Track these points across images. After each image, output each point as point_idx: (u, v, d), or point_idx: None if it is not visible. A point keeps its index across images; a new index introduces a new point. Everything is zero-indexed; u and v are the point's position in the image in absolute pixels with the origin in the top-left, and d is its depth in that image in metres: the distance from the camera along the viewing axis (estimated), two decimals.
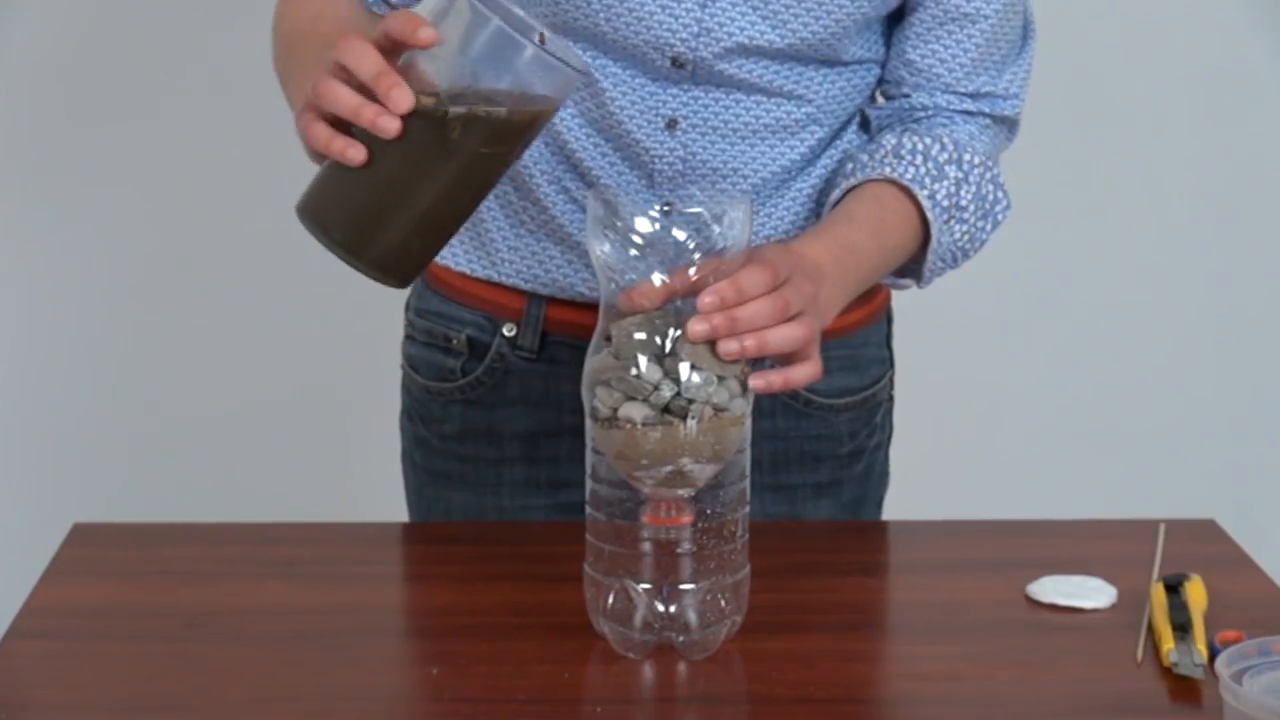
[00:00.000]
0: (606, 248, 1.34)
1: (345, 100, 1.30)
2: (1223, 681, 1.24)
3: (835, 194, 1.60)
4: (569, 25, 1.55)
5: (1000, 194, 1.63)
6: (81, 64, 2.86)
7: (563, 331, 1.67)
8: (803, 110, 1.61)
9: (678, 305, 1.33)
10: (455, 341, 1.70)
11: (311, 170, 1.38)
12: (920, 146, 1.58)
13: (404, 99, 1.28)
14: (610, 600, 1.37)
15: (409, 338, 1.75)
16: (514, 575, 1.52)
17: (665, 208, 1.33)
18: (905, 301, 1.81)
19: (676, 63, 1.56)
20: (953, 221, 1.59)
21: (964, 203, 1.59)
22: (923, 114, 1.63)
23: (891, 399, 1.78)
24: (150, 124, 2.88)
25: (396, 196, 1.32)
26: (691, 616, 1.36)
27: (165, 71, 2.87)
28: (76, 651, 1.41)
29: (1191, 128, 2.98)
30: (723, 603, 1.37)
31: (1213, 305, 3.04)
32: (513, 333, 1.68)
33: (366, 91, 1.30)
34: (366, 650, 1.42)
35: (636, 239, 1.32)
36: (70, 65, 2.86)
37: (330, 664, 1.39)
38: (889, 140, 1.60)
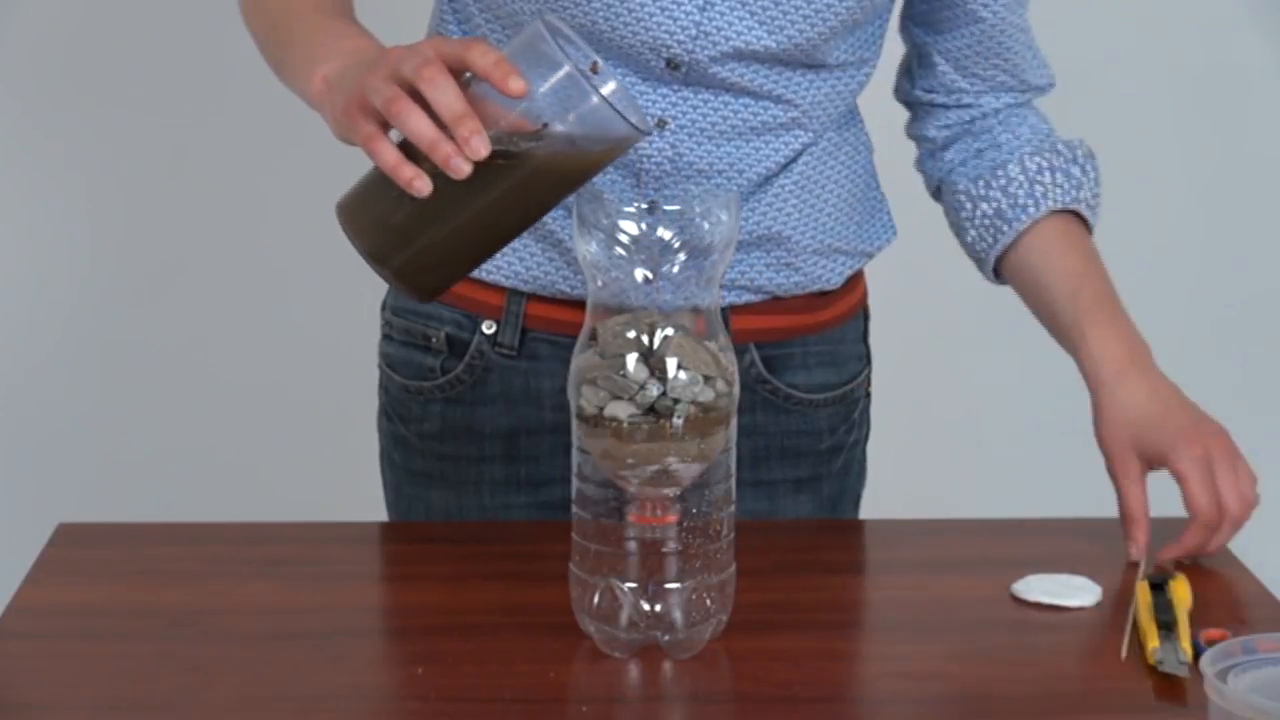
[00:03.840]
0: (593, 247, 1.34)
1: (423, 132, 1.28)
2: (1207, 680, 1.24)
3: (999, 246, 1.70)
4: (566, 23, 1.54)
5: (1089, 160, 1.73)
6: (66, 58, 2.86)
7: (543, 328, 1.67)
8: (788, 114, 1.61)
9: (661, 304, 1.33)
10: (434, 340, 1.70)
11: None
12: (1045, 164, 1.70)
13: (482, 148, 1.27)
14: (596, 599, 1.37)
15: (386, 337, 1.75)
16: (499, 574, 1.52)
17: (648, 204, 1.33)
18: (882, 298, 1.81)
19: (671, 64, 1.56)
20: (1097, 207, 1.73)
21: (1095, 188, 1.73)
22: (989, 119, 1.71)
23: (869, 395, 1.79)
24: (135, 127, 2.87)
25: (443, 223, 1.33)
26: (677, 615, 1.36)
27: (147, 68, 2.86)
28: (61, 651, 1.40)
29: (1181, 125, 2.98)
30: (708, 602, 1.37)
31: (1197, 302, 3.04)
32: (492, 330, 1.67)
33: (435, 117, 1.29)
34: (352, 649, 1.42)
35: (623, 237, 1.33)
36: (54, 59, 2.86)
37: (315, 663, 1.38)
38: (1014, 170, 1.69)
